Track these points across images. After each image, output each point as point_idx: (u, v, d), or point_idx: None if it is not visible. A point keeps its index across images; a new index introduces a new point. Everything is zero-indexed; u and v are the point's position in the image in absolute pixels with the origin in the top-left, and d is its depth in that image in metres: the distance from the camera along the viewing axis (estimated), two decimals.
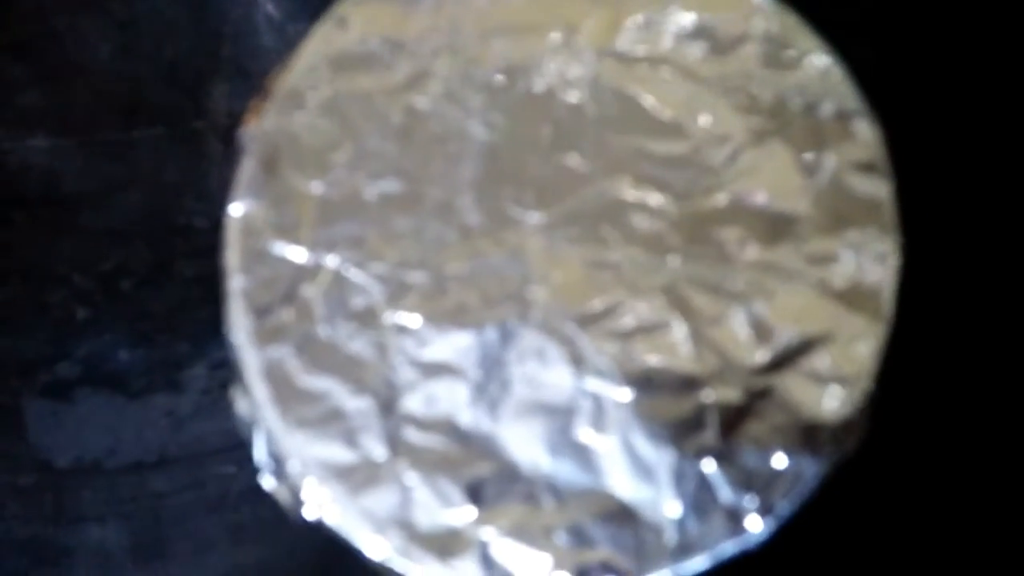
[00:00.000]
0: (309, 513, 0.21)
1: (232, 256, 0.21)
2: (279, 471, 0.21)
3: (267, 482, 0.21)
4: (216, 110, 0.31)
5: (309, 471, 0.20)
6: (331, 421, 0.21)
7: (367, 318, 0.21)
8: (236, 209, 0.22)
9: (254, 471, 0.21)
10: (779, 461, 0.20)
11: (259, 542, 0.28)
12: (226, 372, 0.29)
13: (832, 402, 0.21)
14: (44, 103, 0.31)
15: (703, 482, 0.20)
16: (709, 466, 0.20)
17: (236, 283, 0.21)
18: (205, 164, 0.31)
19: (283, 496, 0.21)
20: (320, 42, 0.23)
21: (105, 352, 0.29)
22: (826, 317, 0.21)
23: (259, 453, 0.21)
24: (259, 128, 0.22)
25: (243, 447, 0.22)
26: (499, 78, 0.23)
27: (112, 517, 0.28)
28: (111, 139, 0.31)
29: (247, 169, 0.22)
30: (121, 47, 0.31)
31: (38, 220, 0.30)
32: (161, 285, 0.30)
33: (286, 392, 0.21)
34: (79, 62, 0.31)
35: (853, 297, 0.21)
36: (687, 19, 0.23)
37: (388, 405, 0.21)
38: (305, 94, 0.22)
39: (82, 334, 0.29)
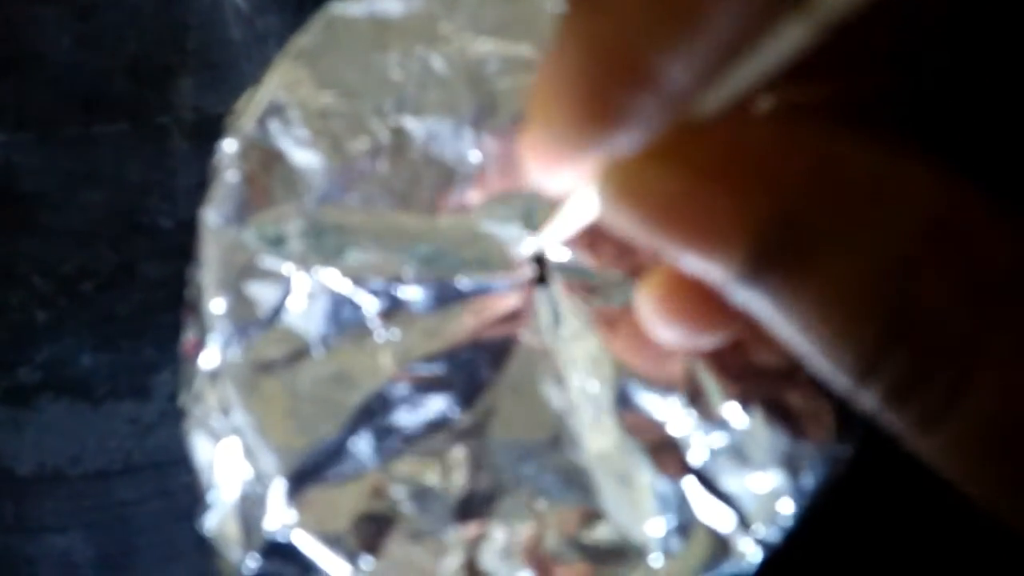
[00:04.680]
0: (293, 534, 0.20)
1: (213, 272, 0.21)
2: (262, 490, 0.20)
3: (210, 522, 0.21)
4: (182, 105, 0.30)
5: (295, 488, 0.20)
6: (320, 438, 0.20)
7: (357, 334, 0.21)
8: (215, 223, 0.21)
9: None
10: (762, 483, 0.20)
11: None
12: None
13: (817, 425, 0.21)
14: (1, 96, 0.29)
15: (685, 502, 0.20)
16: (691, 486, 0.20)
17: (217, 302, 0.21)
18: (170, 162, 0.30)
19: (247, 520, 0.20)
20: (304, 53, 0.22)
21: (67, 357, 0.28)
22: None
23: (227, 492, 0.21)
24: (240, 139, 0.21)
25: None
26: (490, 101, 0.22)
27: (76, 526, 0.27)
28: (71, 134, 0.30)
29: (230, 183, 0.21)
30: (82, 38, 0.30)
31: None
32: (125, 287, 0.29)
33: (272, 410, 0.20)
34: (38, 53, 0.30)
35: None
36: None
37: (379, 420, 0.20)
38: (289, 106, 0.22)
39: (42, 338, 0.28)
